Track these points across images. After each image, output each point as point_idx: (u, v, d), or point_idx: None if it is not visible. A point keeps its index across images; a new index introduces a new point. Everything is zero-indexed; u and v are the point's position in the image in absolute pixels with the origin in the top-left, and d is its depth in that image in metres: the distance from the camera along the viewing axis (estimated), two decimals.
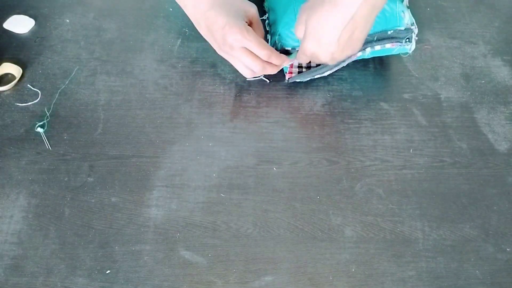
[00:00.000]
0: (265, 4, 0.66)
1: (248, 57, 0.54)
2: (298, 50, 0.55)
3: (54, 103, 0.59)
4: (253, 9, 0.56)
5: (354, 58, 0.59)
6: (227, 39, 0.53)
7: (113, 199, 0.52)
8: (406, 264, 0.49)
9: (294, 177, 0.54)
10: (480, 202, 0.53)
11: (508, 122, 0.59)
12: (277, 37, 0.59)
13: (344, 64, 0.59)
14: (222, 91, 0.60)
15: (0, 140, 0.56)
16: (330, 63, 0.54)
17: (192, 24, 0.57)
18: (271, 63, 0.56)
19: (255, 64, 0.55)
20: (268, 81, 0.62)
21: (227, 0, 0.54)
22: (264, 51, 0.54)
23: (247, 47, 0.53)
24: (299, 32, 0.52)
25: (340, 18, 0.47)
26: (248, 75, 0.58)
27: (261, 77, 0.61)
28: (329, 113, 0.59)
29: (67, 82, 0.61)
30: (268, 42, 0.60)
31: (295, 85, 0.62)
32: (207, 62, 0.63)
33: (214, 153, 0.56)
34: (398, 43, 0.58)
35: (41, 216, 0.51)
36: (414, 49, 0.61)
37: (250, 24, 0.56)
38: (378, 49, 0.58)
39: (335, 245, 0.50)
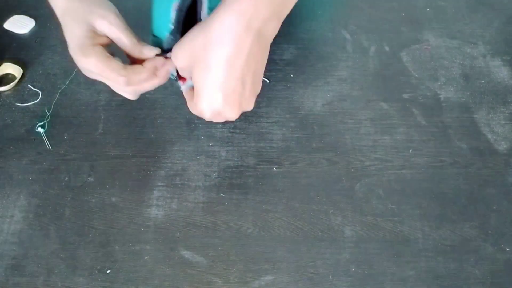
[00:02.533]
0: None
1: (109, 83, 0.44)
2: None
3: (54, 103, 0.59)
4: (103, 22, 0.42)
5: None
6: (77, 64, 0.43)
7: (113, 199, 0.52)
8: (406, 264, 0.49)
9: (294, 177, 0.54)
10: (480, 202, 0.53)
11: (507, 122, 0.59)
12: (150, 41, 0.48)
13: None
14: None
15: (0, 140, 0.56)
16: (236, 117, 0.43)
17: None
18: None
19: (119, 88, 0.45)
20: (268, 81, 0.62)
21: (72, 13, 0.42)
22: (115, 76, 0.42)
23: (97, 74, 0.43)
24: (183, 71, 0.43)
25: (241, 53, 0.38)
26: (130, 97, 0.47)
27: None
28: (329, 113, 0.60)
29: (67, 82, 0.61)
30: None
31: (295, 85, 0.62)
32: None
33: (214, 153, 0.56)
34: None
35: (41, 216, 0.51)
36: (414, 49, 0.61)
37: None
38: None
39: (335, 245, 0.50)
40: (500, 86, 0.63)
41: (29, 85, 0.60)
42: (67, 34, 0.43)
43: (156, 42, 0.47)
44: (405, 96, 0.61)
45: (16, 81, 0.60)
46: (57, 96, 0.59)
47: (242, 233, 0.50)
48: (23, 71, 0.61)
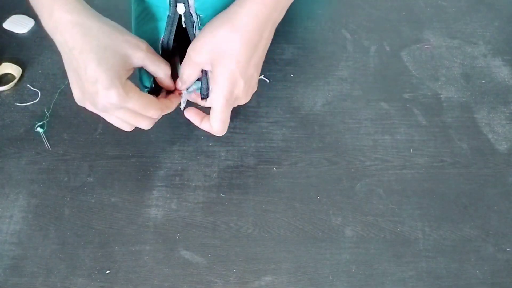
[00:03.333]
0: None
1: (131, 117, 0.43)
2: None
3: (54, 103, 0.59)
4: (140, 53, 0.40)
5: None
6: (100, 101, 0.39)
7: (113, 199, 0.52)
8: (406, 264, 0.49)
9: (294, 177, 0.54)
10: (480, 202, 0.53)
11: (508, 122, 0.59)
12: None
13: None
14: None
15: (0, 140, 0.56)
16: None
17: None
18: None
19: (142, 124, 0.44)
20: (268, 81, 0.62)
21: (103, 40, 0.38)
22: (152, 111, 0.42)
23: (131, 109, 0.41)
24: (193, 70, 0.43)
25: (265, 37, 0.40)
26: (129, 129, 0.46)
27: (261, 76, 0.58)
28: (329, 113, 0.59)
29: (67, 82, 0.61)
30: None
31: (295, 85, 0.62)
32: None
33: (214, 153, 0.56)
34: None
35: (40, 216, 0.51)
36: (415, 49, 0.61)
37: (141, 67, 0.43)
38: None
39: (335, 245, 0.50)
40: (500, 86, 0.63)
41: (28, 85, 0.60)
42: (96, 63, 0.37)
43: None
44: (406, 96, 0.61)
45: (15, 81, 0.60)
46: (56, 96, 0.59)
47: (242, 233, 0.50)
48: (22, 71, 0.61)
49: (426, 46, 0.67)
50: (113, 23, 0.41)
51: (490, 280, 0.48)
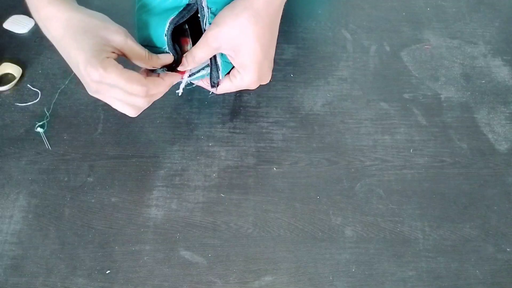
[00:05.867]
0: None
1: (124, 96, 0.43)
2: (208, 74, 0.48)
3: (54, 103, 0.59)
4: (119, 36, 0.42)
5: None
6: (84, 80, 0.42)
7: (113, 199, 0.52)
8: (406, 264, 0.49)
9: (294, 177, 0.54)
10: (480, 202, 0.53)
11: (508, 122, 0.59)
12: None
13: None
14: None
15: (0, 140, 0.56)
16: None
17: None
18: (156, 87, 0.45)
19: (137, 101, 0.44)
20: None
21: (82, 27, 0.41)
22: (135, 86, 0.42)
23: (115, 85, 0.42)
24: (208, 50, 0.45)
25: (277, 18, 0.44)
26: (133, 113, 0.46)
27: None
28: (329, 113, 0.59)
29: (67, 82, 0.61)
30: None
31: (295, 85, 0.62)
32: None
33: (214, 153, 0.56)
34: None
35: (41, 216, 0.51)
36: (415, 49, 0.61)
37: (121, 54, 0.44)
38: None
39: (335, 245, 0.50)
40: (500, 86, 0.63)
41: (28, 85, 0.60)
42: (75, 46, 0.41)
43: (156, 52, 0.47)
44: (406, 96, 0.61)
45: (15, 81, 0.60)
46: (56, 96, 0.59)
47: (242, 233, 0.50)
48: (22, 71, 0.61)
49: (426, 46, 0.67)
50: (96, 13, 0.43)
51: (490, 280, 0.48)
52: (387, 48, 0.66)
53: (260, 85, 0.48)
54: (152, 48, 0.47)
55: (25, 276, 0.47)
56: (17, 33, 0.66)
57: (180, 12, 0.46)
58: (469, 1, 0.73)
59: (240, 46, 0.43)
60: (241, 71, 0.45)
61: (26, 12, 0.68)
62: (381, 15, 0.70)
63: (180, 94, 0.50)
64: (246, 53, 0.43)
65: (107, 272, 0.48)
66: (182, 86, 0.49)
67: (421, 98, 0.61)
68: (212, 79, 0.48)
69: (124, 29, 0.44)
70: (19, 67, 0.61)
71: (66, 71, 0.62)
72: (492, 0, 0.73)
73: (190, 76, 0.48)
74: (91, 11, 0.43)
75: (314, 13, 0.70)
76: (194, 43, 0.47)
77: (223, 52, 0.45)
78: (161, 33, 0.46)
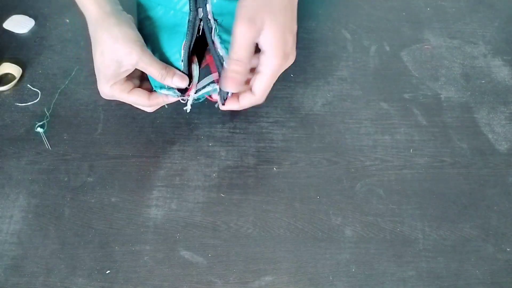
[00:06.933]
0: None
1: (132, 105, 0.51)
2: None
3: (54, 103, 0.59)
4: (130, 60, 0.45)
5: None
6: (100, 90, 0.49)
7: (113, 199, 0.52)
8: (406, 264, 0.49)
9: (294, 177, 0.54)
10: (480, 202, 0.53)
11: (508, 122, 0.59)
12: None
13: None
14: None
15: (0, 140, 0.56)
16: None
17: None
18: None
19: (144, 109, 0.53)
20: None
21: (101, 48, 0.46)
22: (142, 108, 0.52)
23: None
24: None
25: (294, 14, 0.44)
26: (148, 111, 0.54)
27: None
28: (329, 113, 0.59)
29: (67, 82, 0.61)
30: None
31: (295, 85, 0.62)
32: None
33: (214, 153, 0.56)
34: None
35: (41, 216, 0.51)
36: (415, 49, 0.61)
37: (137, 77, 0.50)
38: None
39: (335, 245, 0.50)
40: (500, 86, 0.63)
41: (28, 85, 0.60)
42: (95, 60, 0.47)
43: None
44: (406, 96, 0.61)
45: (15, 81, 0.60)
46: (56, 96, 0.59)
47: (242, 233, 0.50)
48: (22, 71, 0.61)
49: (426, 46, 0.67)
50: (118, 29, 0.45)
51: (490, 280, 0.48)
52: (387, 48, 0.66)
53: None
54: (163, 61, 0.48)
55: (25, 276, 0.47)
56: (17, 33, 0.66)
57: (187, 34, 0.46)
58: (469, 1, 0.73)
59: (264, 24, 0.42)
60: (266, 51, 0.43)
61: (26, 12, 0.68)
62: (381, 15, 0.70)
63: (188, 111, 0.51)
64: (270, 30, 0.42)
65: (107, 272, 0.48)
66: (189, 103, 0.50)
67: (421, 98, 0.61)
68: (223, 95, 0.48)
69: (139, 48, 0.45)
70: (19, 67, 0.61)
71: (66, 71, 0.62)
72: (492, 0, 0.73)
73: (196, 92, 0.49)
74: (116, 21, 0.45)
75: (314, 13, 0.70)
76: (198, 59, 0.49)
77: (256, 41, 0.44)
78: (172, 52, 0.48)
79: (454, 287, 0.48)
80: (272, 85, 0.46)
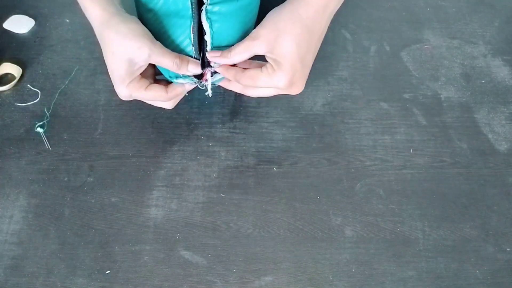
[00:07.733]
0: None
1: (151, 102, 0.50)
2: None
3: (54, 103, 0.59)
4: (142, 55, 0.44)
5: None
6: (117, 92, 0.48)
7: (113, 199, 0.52)
8: (406, 264, 0.49)
9: (294, 177, 0.54)
10: (480, 202, 0.53)
11: (508, 122, 0.59)
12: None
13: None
14: (222, 91, 0.60)
15: (0, 140, 0.56)
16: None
17: None
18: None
19: (163, 105, 0.51)
20: None
21: (111, 49, 0.45)
22: (160, 103, 0.50)
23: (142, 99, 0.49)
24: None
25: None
26: (167, 107, 0.52)
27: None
28: (329, 113, 0.59)
29: (67, 82, 0.61)
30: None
31: None
32: None
33: (214, 153, 0.56)
34: None
35: (41, 216, 0.51)
36: (415, 49, 0.61)
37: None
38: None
39: (335, 245, 0.50)
40: (500, 86, 0.63)
41: (28, 85, 0.60)
42: (107, 61, 0.45)
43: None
44: (406, 96, 0.61)
45: (15, 81, 0.60)
46: (56, 96, 0.59)
47: (242, 233, 0.50)
48: (22, 71, 0.61)
49: (426, 46, 0.67)
50: (124, 25, 0.44)
51: (490, 280, 0.48)
52: (387, 48, 0.66)
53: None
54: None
55: (25, 276, 0.47)
56: (17, 33, 0.66)
57: (193, 16, 0.46)
58: (469, 1, 0.73)
59: (278, 42, 0.43)
60: (275, 67, 0.44)
61: (26, 12, 0.68)
62: (381, 15, 0.70)
63: (210, 96, 0.51)
64: (281, 50, 0.43)
65: (107, 272, 0.48)
66: (209, 87, 0.50)
67: (421, 98, 0.61)
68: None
69: (148, 41, 0.44)
70: (19, 67, 0.61)
71: (66, 71, 0.62)
72: (492, 0, 0.73)
73: (212, 75, 0.49)
74: (121, 19, 0.44)
75: None
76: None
77: (261, 50, 0.44)
78: (180, 40, 0.47)
79: (454, 287, 0.48)
80: (263, 96, 0.48)
